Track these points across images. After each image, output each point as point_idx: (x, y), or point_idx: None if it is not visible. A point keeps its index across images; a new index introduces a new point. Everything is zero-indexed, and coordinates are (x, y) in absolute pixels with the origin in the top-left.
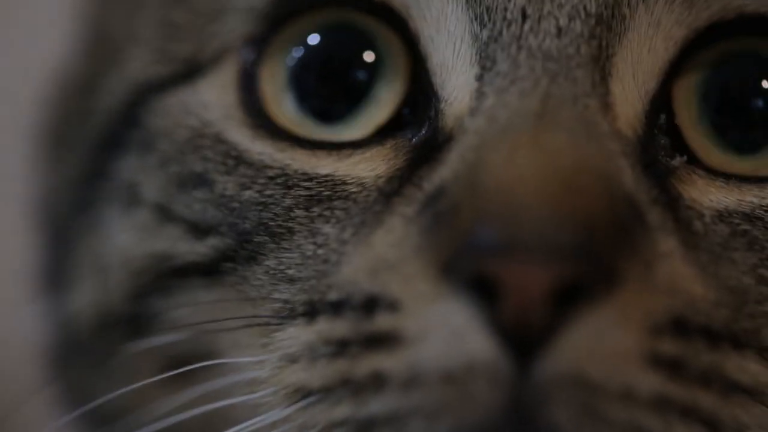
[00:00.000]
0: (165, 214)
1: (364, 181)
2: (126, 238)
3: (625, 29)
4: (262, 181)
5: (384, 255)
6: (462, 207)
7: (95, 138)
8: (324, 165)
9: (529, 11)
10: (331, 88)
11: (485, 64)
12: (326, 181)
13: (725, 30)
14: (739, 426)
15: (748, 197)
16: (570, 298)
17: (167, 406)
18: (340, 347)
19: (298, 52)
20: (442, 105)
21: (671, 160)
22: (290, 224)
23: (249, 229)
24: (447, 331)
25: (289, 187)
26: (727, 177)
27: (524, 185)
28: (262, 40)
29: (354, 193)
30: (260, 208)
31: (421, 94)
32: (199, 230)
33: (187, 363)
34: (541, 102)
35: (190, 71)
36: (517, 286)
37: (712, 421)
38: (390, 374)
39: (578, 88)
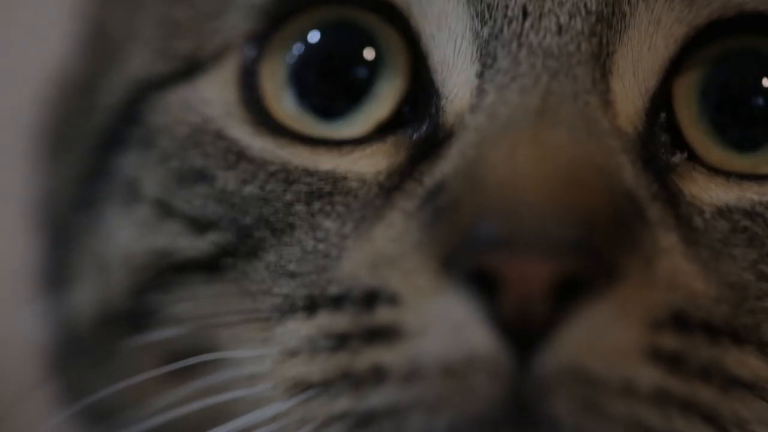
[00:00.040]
0: (165, 209)
1: (364, 176)
2: (126, 235)
3: (625, 27)
4: (262, 176)
5: (384, 250)
6: (462, 202)
7: (95, 136)
8: (325, 161)
9: (529, 9)
10: (331, 86)
11: (486, 61)
12: (327, 176)
13: (725, 28)
14: (739, 421)
15: (749, 194)
16: (570, 292)
17: (167, 401)
18: (341, 341)
19: (298, 50)
20: (443, 102)
21: (671, 157)
22: (291, 219)
23: (249, 224)
24: (447, 325)
25: (290, 183)
26: (727, 174)
27: (524, 181)
28: (263, 36)
29: (354, 188)
30: (261, 203)
31: (422, 90)
32: (199, 225)
33: (188, 357)
34: (541, 99)
35: (191, 68)
36: (517, 281)
37: (712, 416)
38: (390, 368)
39: (579, 85)
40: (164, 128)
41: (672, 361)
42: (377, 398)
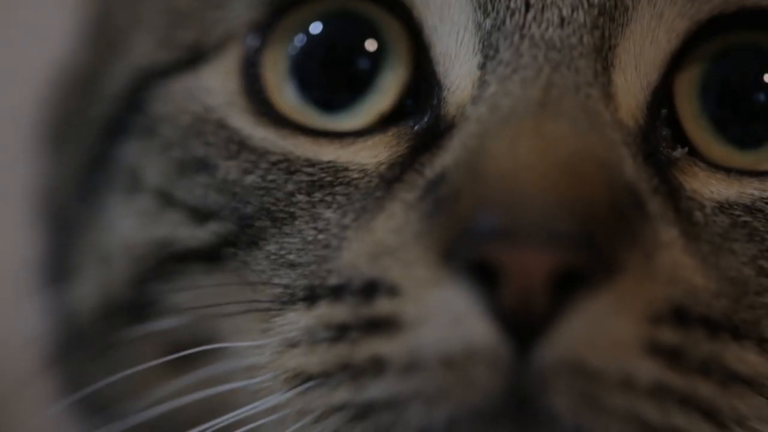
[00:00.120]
0: (166, 199)
1: (365, 167)
2: (127, 225)
3: (627, 20)
4: (264, 166)
5: (385, 240)
6: (463, 193)
7: (98, 126)
8: (326, 152)
9: (532, 1)
10: (333, 77)
11: (488, 53)
12: (328, 167)
13: (727, 23)
14: (738, 416)
15: (749, 189)
16: (570, 285)
17: (166, 392)
18: (340, 332)
19: (300, 41)
20: (445, 93)
21: (672, 152)
22: (292, 209)
23: (250, 214)
24: (447, 317)
25: (292, 173)
26: (728, 170)
27: (526, 172)
28: (266, 26)
29: (356, 179)
30: (262, 192)
31: (424, 82)
32: (200, 215)
33: (188, 348)
34: (543, 91)
35: (194, 58)
36: (517, 272)
37: (711, 411)
38: (390, 359)
39: (580, 77)
40: (166, 117)
41: (671, 356)
42: (376, 390)
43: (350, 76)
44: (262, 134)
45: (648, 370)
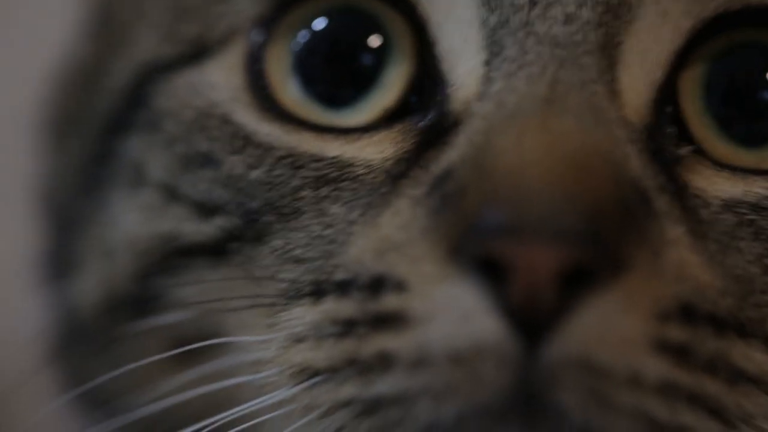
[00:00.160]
0: (171, 193)
1: (371, 163)
2: (131, 219)
3: (632, 18)
4: (269, 161)
5: (391, 236)
6: (470, 189)
7: (102, 120)
8: (332, 147)
9: None
10: (336, 73)
11: (493, 49)
12: (334, 162)
13: (731, 21)
14: (744, 414)
15: (755, 188)
16: (577, 281)
17: (170, 386)
18: (347, 327)
19: (303, 37)
20: (450, 89)
21: (678, 149)
22: (298, 204)
23: (256, 209)
24: (455, 313)
25: (297, 168)
26: (733, 168)
27: (532, 168)
28: (271, 21)
29: (361, 174)
30: (268, 188)
31: (428, 78)
32: (205, 210)
33: (192, 342)
34: (548, 87)
35: (198, 52)
36: (524, 268)
37: (717, 409)
38: (397, 354)
39: (585, 74)
40: (170, 112)
41: (678, 353)
42: (384, 385)
43: (354, 72)
44: (267, 129)
45: (655, 367)
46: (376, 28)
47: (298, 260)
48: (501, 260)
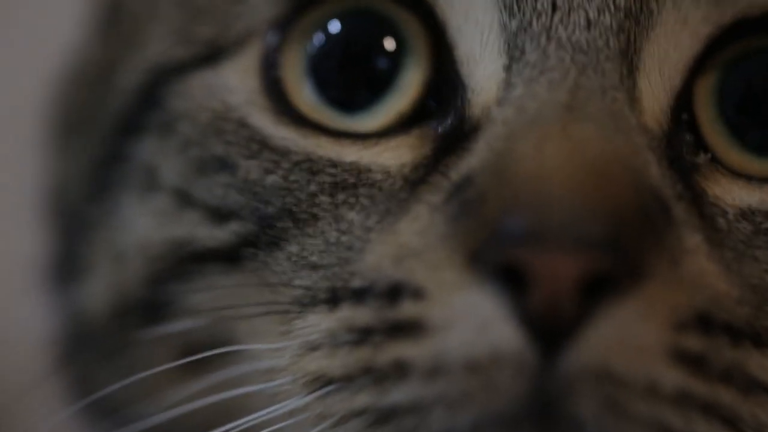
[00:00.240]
0: (185, 198)
1: (389, 169)
2: (143, 224)
3: (652, 24)
4: (286, 166)
5: (409, 243)
6: (490, 196)
7: (112, 121)
8: (349, 152)
9: (559, 3)
10: (351, 77)
11: (514, 54)
12: (351, 168)
13: (749, 27)
14: (759, 425)
15: None
16: (597, 290)
17: (180, 395)
18: (363, 335)
19: (318, 40)
20: (469, 94)
21: (695, 157)
22: (314, 210)
23: (272, 215)
24: (473, 321)
25: (314, 173)
26: (749, 176)
27: (553, 175)
28: (286, 23)
29: (379, 180)
30: (284, 193)
31: (446, 83)
32: (219, 215)
33: (204, 350)
34: (570, 93)
35: (213, 54)
36: (545, 276)
37: (732, 419)
38: (413, 363)
39: (607, 80)
40: (185, 114)
41: (695, 363)
42: (399, 394)
43: (369, 76)
44: (283, 134)
45: (672, 377)
46: (392, 32)
47: (313, 267)
48: (521, 268)
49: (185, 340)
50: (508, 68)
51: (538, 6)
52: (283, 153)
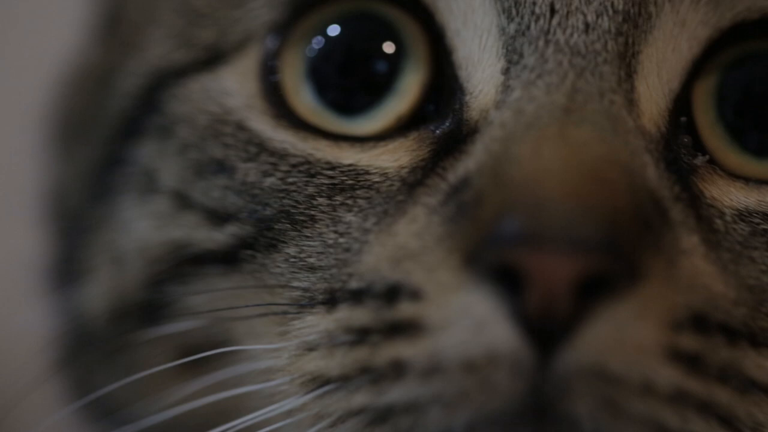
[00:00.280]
0: (183, 201)
1: (387, 171)
2: (142, 226)
3: (651, 27)
4: (284, 168)
5: (407, 244)
6: (487, 197)
7: (112, 125)
8: (347, 155)
9: (557, 6)
10: (350, 81)
11: (512, 57)
12: (349, 170)
13: (748, 31)
14: (755, 424)
15: None
16: (593, 290)
17: (178, 395)
18: (361, 335)
19: (318, 43)
20: (467, 98)
21: (693, 159)
22: (312, 212)
23: (270, 217)
24: (470, 321)
25: (312, 175)
26: (747, 178)
27: (550, 177)
28: (285, 27)
29: (377, 182)
30: (282, 195)
31: (444, 86)
32: (218, 217)
33: (202, 351)
34: (567, 96)
35: (212, 58)
36: (541, 277)
37: (728, 418)
38: (410, 363)
39: (604, 83)
40: (184, 118)
41: (691, 362)
42: (396, 394)
43: (368, 79)
44: (282, 137)
45: (668, 376)
46: (391, 35)
47: (311, 268)
48: (517, 269)
49: (184, 340)
50: (506, 71)
51: (536, 10)
52: (282, 156)
